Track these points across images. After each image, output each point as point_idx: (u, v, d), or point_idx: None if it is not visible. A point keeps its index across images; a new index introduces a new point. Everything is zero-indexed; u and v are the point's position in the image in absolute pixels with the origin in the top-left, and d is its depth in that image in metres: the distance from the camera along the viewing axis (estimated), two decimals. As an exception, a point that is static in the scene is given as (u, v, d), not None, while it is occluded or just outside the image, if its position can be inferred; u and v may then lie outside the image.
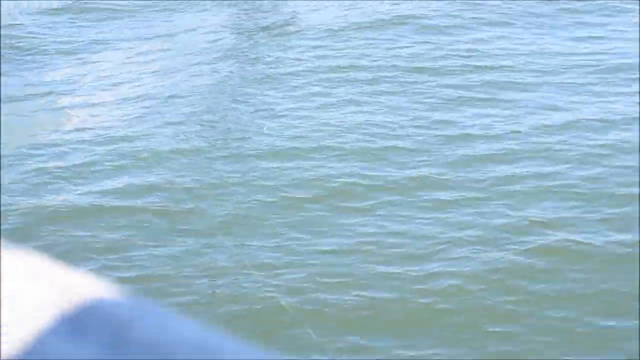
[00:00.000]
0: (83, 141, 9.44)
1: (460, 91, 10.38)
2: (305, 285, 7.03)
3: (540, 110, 9.72)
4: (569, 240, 7.32)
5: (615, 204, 7.76)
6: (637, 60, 10.85)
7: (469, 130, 9.39)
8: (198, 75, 11.26)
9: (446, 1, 13.24)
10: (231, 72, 11.36)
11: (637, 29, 12.07)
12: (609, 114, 9.46)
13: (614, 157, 8.55)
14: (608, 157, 8.54)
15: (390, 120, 9.72)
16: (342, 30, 12.20)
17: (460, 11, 12.86)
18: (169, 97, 10.54)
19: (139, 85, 10.96)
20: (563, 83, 10.43)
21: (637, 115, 9.24)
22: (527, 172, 8.41)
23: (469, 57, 11.36)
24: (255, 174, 8.78)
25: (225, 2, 13.96)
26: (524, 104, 9.91)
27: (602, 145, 8.79)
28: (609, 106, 9.68)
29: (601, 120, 9.30)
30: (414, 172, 8.65)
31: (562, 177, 8.27)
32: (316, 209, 8.12)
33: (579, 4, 13.09)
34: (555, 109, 9.73)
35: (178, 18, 13.36)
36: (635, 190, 7.87)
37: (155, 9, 13.76)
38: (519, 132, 9.22)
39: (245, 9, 13.71)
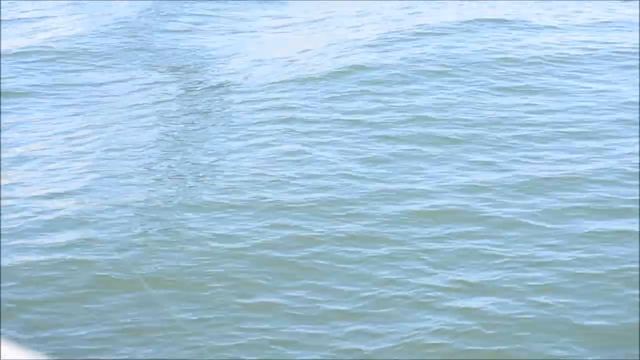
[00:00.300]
0: (11, 197, 9.43)
1: (396, 145, 10.49)
2: (227, 344, 7.04)
3: (469, 166, 9.84)
4: (490, 302, 7.40)
5: (534, 266, 7.86)
6: (567, 116, 11.04)
7: (399, 185, 9.48)
8: (133, 128, 11.27)
9: (388, 53, 13.42)
10: (167, 125, 11.38)
11: (573, 82, 12.30)
12: (535, 174, 9.59)
13: (537, 218, 8.67)
14: (532, 219, 8.65)
15: (323, 173, 9.79)
16: (281, 83, 12.31)
17: (401, 61, 13.03)
18: (105, 150, 10.55)
19: (71, 139, 10.95)
20: (495, 138, 10.56)
21: (561, 176, 9.39)
22: (452, 231, 8.50)
23: (405, 109, 11.49)
24: (185, 226, 8.80)
25: (159, 59, 14.01)
26: (454, 159, 10.03)
27: (528, 205, 8.91)
28: (536, 166, 9.82)
29: (527, 180, 9.44)
30: (343, 227, 8.71)
31: (486, 238, 8.36)
32: (242, 263, 8.16)
33: (517, 55, 13.33)
34: (483, 165, 9.86)
35: (113, 73, 13.38)
36: (552, 254, 7.99)
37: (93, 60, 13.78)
38: (447, 189, 9.33)
39: (182, 66, 13.75)
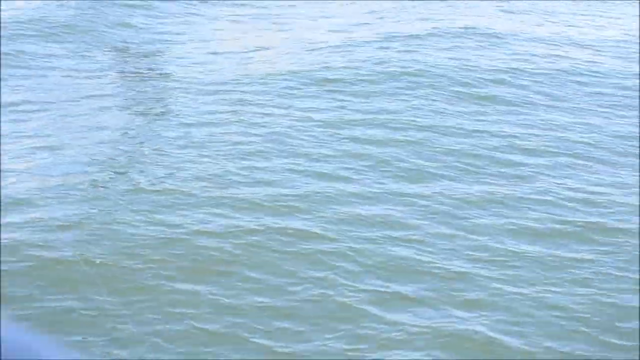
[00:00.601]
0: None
1: (345, 144, 10.62)
2: (150, 329, 7.16)
3: (414, 173, 9.97)
4: (411, 312, 7.55)
5: (459, 279, 8.02)
6: (518, 129, 11.22)
7: (343, 185, 9.61)
8: (80, 108, 11.30)
9: (349, 55, 13.53)
10: (114, 108, 11.42)
11: (532, 95, 12.45)
12: (476, 188, 9.75)
13: (472, 232, 8.83)
14: (466, 232, 8.82)
15: (267, 166, 9.93)
16: (238, 76, 12.39)
17: (362, 63, 13.14)
18: (49, 129, 10.59)
19: (16, 112, 11.00)
20: (443, 145, 10.70)
21: (502, 192, 9.57)
22: (387, 237, 8.64)
23: (360, 110, 11.63)
24: (126, 209, 8.91)
25: (114, 37, 13.98)
26: (400, 164, 10.16)
27: (465, 218, 9.08)
28: (479, 179, 9.98)
29: (467, 193, 9.61)
30: (281, 221, 8.83)
31: (419, 246, 8.50)
32: (177, 250, 8.28)
33: (479, 64, 13.49)
34: (428, 172, 10.00)
35: (64, 45, 13.37)
36: (479, 268, 8.17)
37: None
38: (389, 193, 9.47)
39: (136, 48, 13.73)
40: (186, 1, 15.99)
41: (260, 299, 7.66)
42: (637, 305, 7.66)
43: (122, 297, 7.58)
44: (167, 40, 14.06)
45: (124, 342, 7.00)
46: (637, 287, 7.94)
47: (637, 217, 9.07)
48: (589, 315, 7.53)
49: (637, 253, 8.45)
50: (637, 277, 8.08)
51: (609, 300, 7.74)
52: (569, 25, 15.85)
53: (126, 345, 6.97)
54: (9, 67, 12.61)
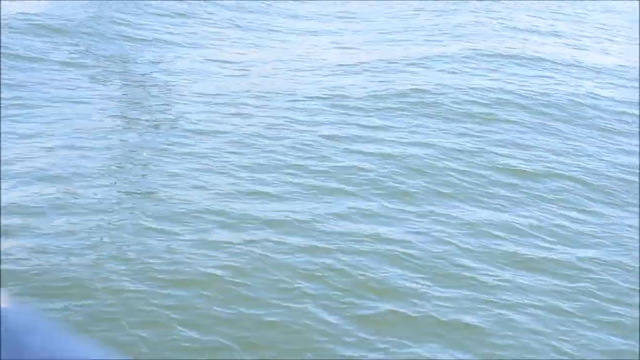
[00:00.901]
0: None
1: (356, 160, 10.73)
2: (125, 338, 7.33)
3: (419, 198, 10.08)
4: (408, 337, 7.72)
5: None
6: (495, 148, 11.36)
7: (349, 203, 9.69)
8: (72, 126, 11.27)
9: (340, 72, 13.65)
10: (108, 129, 11.34)
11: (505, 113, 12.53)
12: (482, 216, 9.92)
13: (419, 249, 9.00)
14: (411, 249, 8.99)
15: (266, 180, 10.05)
16: (234, 92, 12.39)
17: (373, 85, 13.23)
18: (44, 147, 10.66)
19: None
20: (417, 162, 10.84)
21: (457, 220, 9.72)
22: (387, 268, 8.77)
23: (361, 131, 11.73)
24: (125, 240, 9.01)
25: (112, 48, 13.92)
26: (415, 187, 10.29)
27: (403, 241, 9.22)
28: (437, 199, 10.13)
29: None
30: (293, 238, 8.88)
31: (416, 273, 8.63)
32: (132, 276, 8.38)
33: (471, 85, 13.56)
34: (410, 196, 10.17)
35: (62, 52, 13.37)
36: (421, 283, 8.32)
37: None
38: (403, 212, 9.62)
39: (137, 70, 13.59)
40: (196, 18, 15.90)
41: (251, 310, 7.76)
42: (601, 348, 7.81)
43: (115, 301, 7.71)
44: (164, 42, 14.03)
45: (115, 344, 7.13)
46: (603, 325, 8.07)
47: (620, 251, 9.22)
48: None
49: (617, 288, 8.60)
50: (605, 318, 8.21)
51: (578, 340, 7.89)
52: (573, 48, 15.96)
53: (115, 349, 7.10)
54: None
